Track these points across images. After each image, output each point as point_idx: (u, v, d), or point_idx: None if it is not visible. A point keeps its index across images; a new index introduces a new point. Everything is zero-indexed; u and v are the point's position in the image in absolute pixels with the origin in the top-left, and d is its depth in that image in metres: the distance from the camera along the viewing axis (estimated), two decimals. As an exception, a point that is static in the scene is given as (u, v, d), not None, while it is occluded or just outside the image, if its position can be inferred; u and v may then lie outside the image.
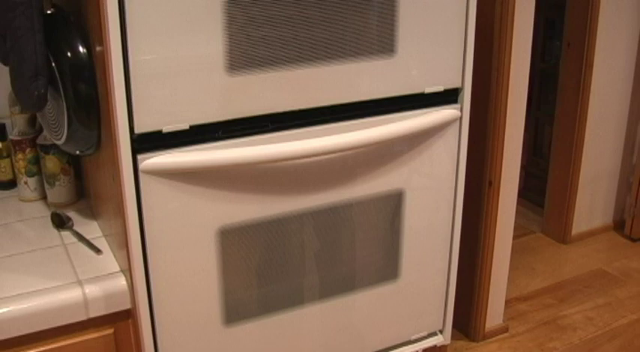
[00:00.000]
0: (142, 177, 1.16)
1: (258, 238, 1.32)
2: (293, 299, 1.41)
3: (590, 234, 2.85)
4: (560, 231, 2.80)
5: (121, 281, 1.26)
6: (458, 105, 1.44)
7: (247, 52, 1.19)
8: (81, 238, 1.40)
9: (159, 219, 1.20)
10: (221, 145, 1.21)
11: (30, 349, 1.21)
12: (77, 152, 1.34)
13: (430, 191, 1.49)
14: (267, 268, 1.36)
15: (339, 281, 1.46)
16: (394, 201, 1.45)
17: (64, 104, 1.24)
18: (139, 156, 1.15)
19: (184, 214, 1.22)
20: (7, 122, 1.59)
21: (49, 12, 1.28)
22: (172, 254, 1.23)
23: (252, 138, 1.23)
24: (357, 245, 1.45)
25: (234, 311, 1.33)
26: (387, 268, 1.51)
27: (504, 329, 2.17)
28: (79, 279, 1.26)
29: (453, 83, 1.43)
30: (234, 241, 1.29)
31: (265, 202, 1.29)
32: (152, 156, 1.16)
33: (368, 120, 1.33)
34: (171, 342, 1.28)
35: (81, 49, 1.22)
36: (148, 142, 1.15)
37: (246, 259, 1.32)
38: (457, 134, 1.47)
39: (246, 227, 1.29)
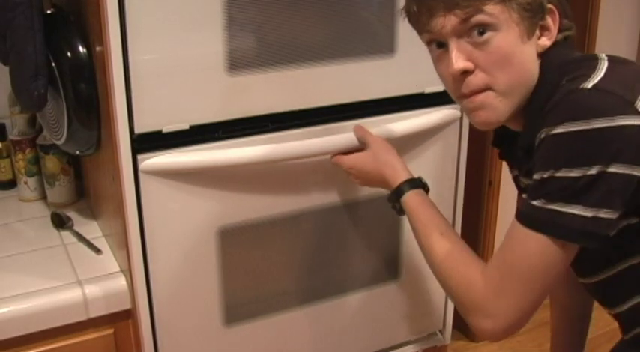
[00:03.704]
0: (141, 177, 1.16)
1: (258, 238, 1.32)
2: (293, 299, 1.40)
3: (590, 234, 2.85)
4: (560, 231, 2.80)
5: (121, 281, 1.26)
6: (458, 106, 1.44)
7: (247, 52, 1.18)
8: (81, 238, 1.40)
9: (159, 219, 1.20)
10: (221, 145, 1.21)
11: (30, 349, 1.21)
12: (77, 152, 1.34)
13: (430, 191, 1.49)
14: (268, 268, 1.36)
15: (340, 281, 1.46)
16: (394, 201, 1.45)
17: (64, 104, 1.24)
18: (139, 156, 1.15)
19: (184, 214, 1.21)
20: (7, 122, 1.59)
21: (49, 12, 1.28)
22: (172, 254, 1.23)
23: (252, 138, 1.23)
24: (358, 245, 1.44)
25: (234, 312, 1.33)
26: (388, 268, 1.51)
27: (504, 329, 2.17)
28: (79, 279, 1.26)
29: (453, 83, 1.42)
30: (234, 241, 1.28)
31: (265, 202, 1.29)
32: (152, 156, 1.15)
33: (368, 120, 1.32)
34: (171, 342, 1.28)
35: (81, 49, 1.22)
36: (148, 142, 1.15)
37: (246, 259, 1.32)
38: (457, 134, 1.47)
39: (246, 227, 1.28)
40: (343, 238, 1.42)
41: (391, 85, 1.35)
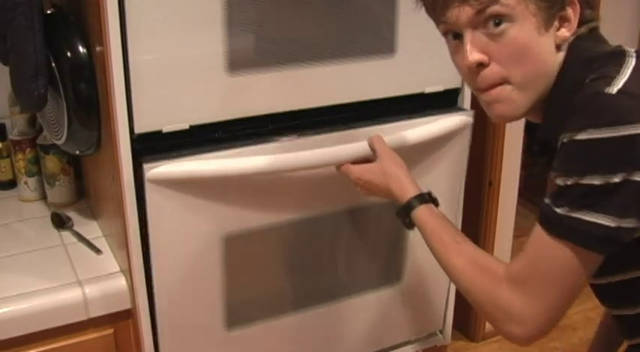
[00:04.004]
0: (147, 186, 1.14)
1: (263, 244, 1.31)
2: (296, 303, 1.40)
3: (590, 234, 2.84)
4: (560, 231, 2.79)
5: (121, 282, 1.26)
6: (470, 112, 1.42)
7: (247, 52, 1.18)
8: (81, 238, 1.40)
9: (164, 226, 1.19)
10: (225, 155, 1.19)
11: (30, 349, 1.21)
12: (77, 152, 1.34)
13: (439, 195, 1.48)
14: (271, 273, 1.35)
15: (342, 286, 1.45)
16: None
17: (64, 104, 1.24)
18: (145, 166, 1.14)
19: (189, 222, 1.20)
20: (7, 122, 1.59)
21: (49, 12, 1.28)
22: (177, 259, 1.22)
23: (258, 147, 1.21)
24: (361, 250, 1.44)
25: (237, 316, 1.33)
26: (391, 271, 1.50)
27: (504, 329, 2.17)
28: (79, 279, 1.26)
29: (453, 83, 1.42)
30: (239, 247, 1.27)
31: (270, 209, 1.28)
32: (159, 166, 1.14)
33: (378, 128, 1.30)
34: (171, 344, 1.28)
35: (81, 49, 1.22)
36: (148, 142, 1.15)
37: (250, 264, 1.32)
38: (466, 139, 1.44)
39: (251, 234, 1.28)
40: (346, 244, 1.42)
41: (391, 85, 1.35)
